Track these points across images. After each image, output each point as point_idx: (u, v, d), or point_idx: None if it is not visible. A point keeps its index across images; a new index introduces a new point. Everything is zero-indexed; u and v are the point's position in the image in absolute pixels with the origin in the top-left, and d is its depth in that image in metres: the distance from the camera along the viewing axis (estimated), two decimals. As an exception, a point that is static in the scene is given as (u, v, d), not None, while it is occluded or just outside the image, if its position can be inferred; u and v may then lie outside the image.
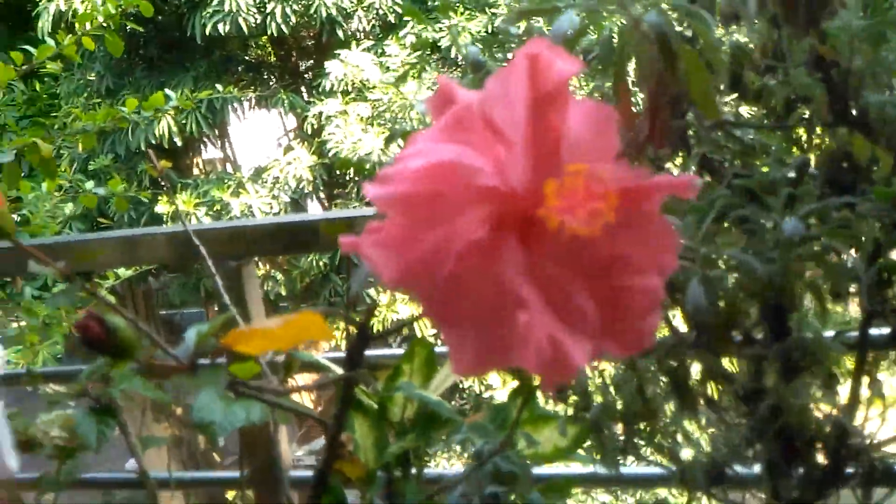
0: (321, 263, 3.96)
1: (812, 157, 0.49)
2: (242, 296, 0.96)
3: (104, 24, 1.30)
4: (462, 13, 4.22)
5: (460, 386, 3.53)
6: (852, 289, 0.46)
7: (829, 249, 0.43)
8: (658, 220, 0.32)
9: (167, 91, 1.39)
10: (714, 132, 0.57)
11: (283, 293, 4.11)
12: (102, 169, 3.78)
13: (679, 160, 0.58)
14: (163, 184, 4.28)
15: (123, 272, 1.74)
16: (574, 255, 0.32)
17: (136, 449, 0.84)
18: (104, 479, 1.05)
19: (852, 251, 0.46)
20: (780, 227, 0.41)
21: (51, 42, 1.29)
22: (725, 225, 0.44)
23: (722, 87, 0.59)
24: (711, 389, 0.48)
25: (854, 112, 0.44)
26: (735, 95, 0.60)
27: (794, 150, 0.55)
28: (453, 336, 0.33)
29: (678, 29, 0.47)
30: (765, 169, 0.47)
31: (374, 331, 0.50)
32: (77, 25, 1.31)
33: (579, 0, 0.40)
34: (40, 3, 4.33)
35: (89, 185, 1.44)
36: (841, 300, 0.46)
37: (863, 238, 0.44)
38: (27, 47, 1.27)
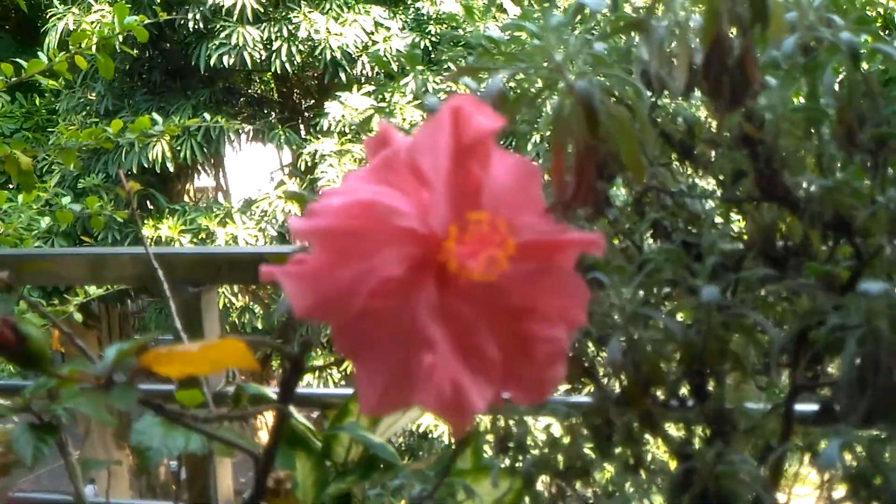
0: (301, 300, 3.94)
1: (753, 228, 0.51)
2: (199, 324, 0.95)
3: (98, 45, 1.33)
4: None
5: (430, 435, 3.49)
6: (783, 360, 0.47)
7: (756, 323, 0.44)
8: (569, 274, 0.33)
9: (154, 115, 1.41)
10: (664, 199, 0.59)
11: (260, 327, 4.08)
12: (91, 187, 3.78)
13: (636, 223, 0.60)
14: (146, 207, 4.27)
15: (94, 290, 1.73)
16: (485, 300, 0.33)
17: (74, 471, 0.83)
18: (39, 499, 1.03)
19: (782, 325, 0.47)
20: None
21: (44, 58, 1.32)
22: (655, 288, 0.45)
23: (674, 156, 0.62)
24: (633, 450, 0.48)
25: (780, 189, 0.45)
26: (688, 165, 0.62)
27: (741, 221, 0.57)
28: (363, 371, 0.33)
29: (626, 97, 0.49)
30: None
31: (309, 364, 0.50)
32: (71, 45, 1.34)
33: (519, 63, 0.41)
34: (49, 21, 4.40)
35: (66, 200, 1.44)
36: (766, 373, 0.47)
37: (790, 313, 0.45)
38: (19, 60, 1.29)
